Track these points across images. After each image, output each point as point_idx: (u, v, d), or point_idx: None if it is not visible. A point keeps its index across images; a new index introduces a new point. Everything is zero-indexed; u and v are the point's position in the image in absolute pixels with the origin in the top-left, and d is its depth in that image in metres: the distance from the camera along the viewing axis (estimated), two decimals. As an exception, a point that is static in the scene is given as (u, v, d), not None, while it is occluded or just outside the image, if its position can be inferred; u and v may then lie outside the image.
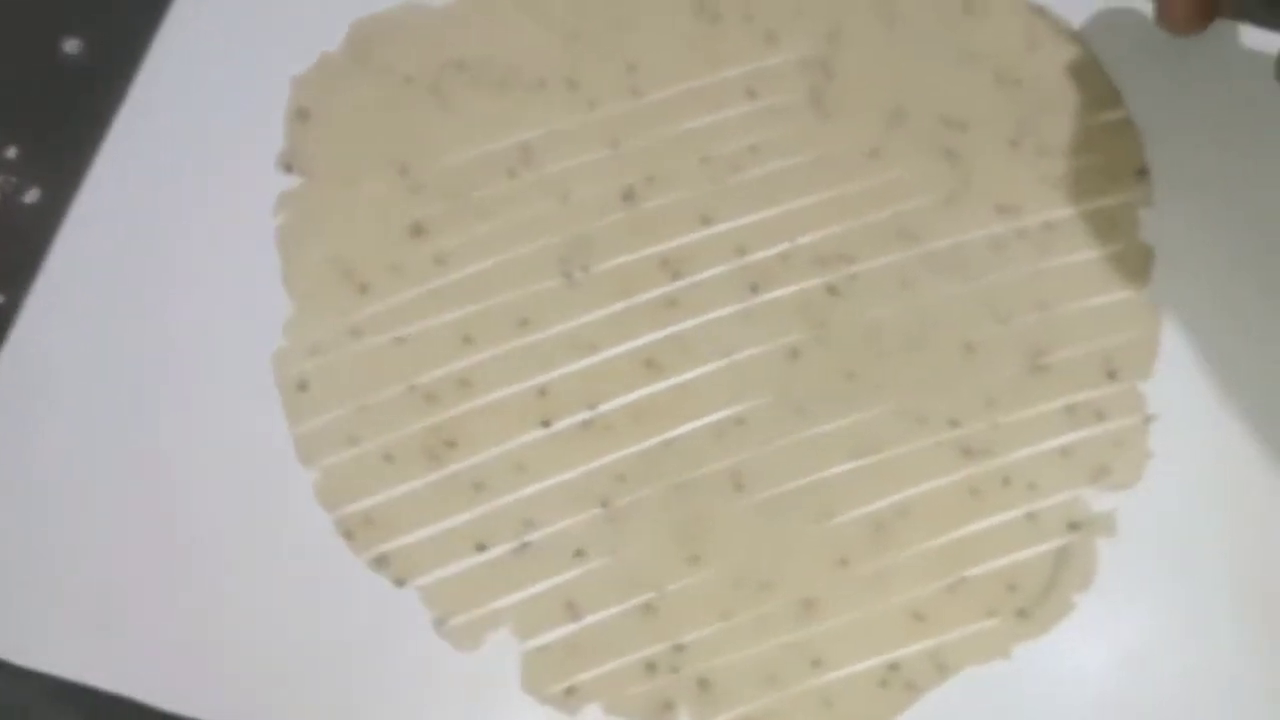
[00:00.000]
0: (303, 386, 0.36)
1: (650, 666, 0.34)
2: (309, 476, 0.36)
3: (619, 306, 0.37)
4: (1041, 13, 0.40)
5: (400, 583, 0.35)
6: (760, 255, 0.37)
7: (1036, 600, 0.34)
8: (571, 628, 0.34)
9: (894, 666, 0.33)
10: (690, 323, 0.37)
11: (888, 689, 0.33)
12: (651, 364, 0.36)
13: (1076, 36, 0.40)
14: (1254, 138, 0.38)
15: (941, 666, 0.34)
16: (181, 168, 0.38)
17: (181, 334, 0.37)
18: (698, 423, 0.36)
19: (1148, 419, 0.36)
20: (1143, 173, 0.38)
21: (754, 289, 0.37)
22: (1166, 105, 0.39)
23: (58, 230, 0.37)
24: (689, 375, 0.36)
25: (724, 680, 0.34)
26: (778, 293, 0.37)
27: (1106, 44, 0.40)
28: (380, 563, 0.35)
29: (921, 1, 0.40)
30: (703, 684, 0.33)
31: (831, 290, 0.37)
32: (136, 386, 0.36)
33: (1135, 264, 0.37)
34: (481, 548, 0.35)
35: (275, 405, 0.37)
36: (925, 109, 0.39)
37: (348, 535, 0.35)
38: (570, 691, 0.33)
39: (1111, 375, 0.36)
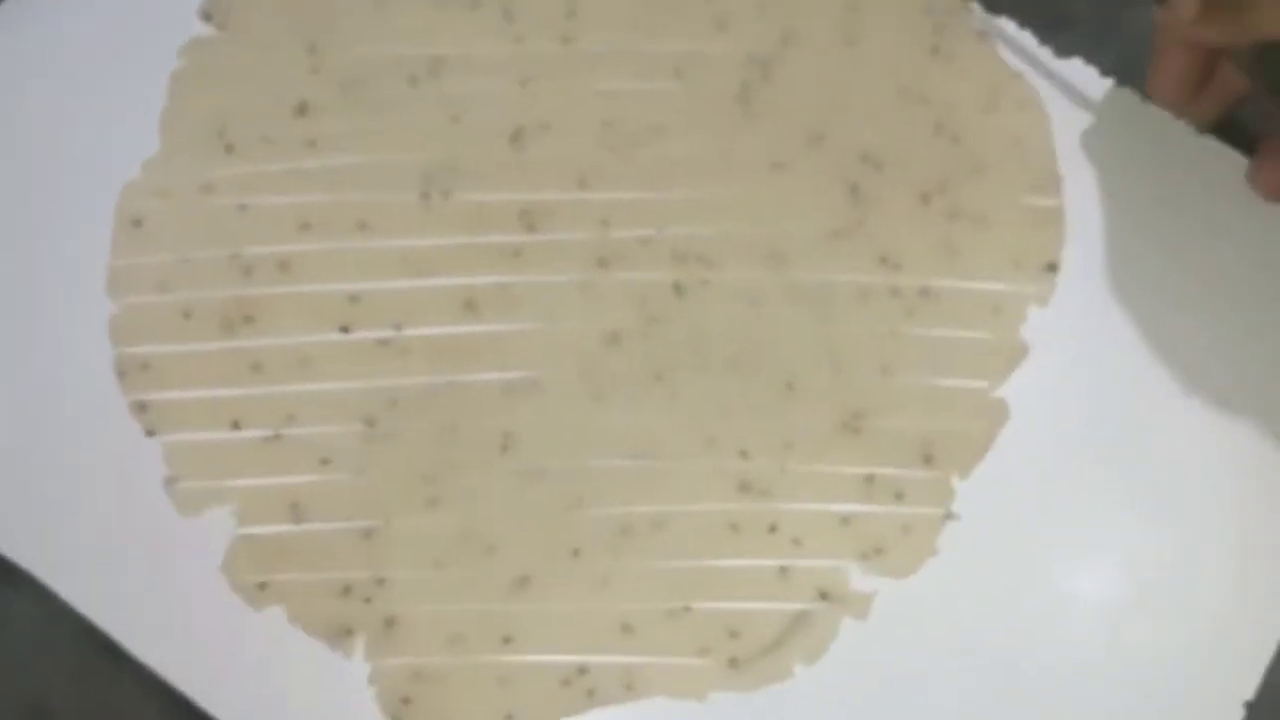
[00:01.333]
0: (138, 223, 0.47)
1: (346, 590, 0.42)
2: (109, 308, 0.45)
3: (461, 240, 0.46)
4: (1016, 77, 0.47)
5: (150, 433, 0.44)
6: (621, 234, 0.46)
7: (754, 655, 0.41)
8: (288, 528, 0.43)
9: (583, 670, 0.41)
10: (525, 277, 0.46)
11: (568, 689, 0.41)
12: (471, 305, 0.45)
13: (1042, 111, 0.46)
14: (1183, 282, 0.46)
15: (630, 686, 0.41)
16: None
17: (46, 142, 0.48)
18: (491, 375, 0.45)
19: (947, 516, 0.42)
20: (1052, 268, 0.45)
21: (601, 264, 0.46)
22: (1106, 212, 0.45)
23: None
24: (502, 327, 0.45)
25: (411, 625, 0.42)
26: (623, 275, 0.46)
27: (1074, 127, 0.46)
28: (140, 408, 0.45)
29: (890, 25, 0.47)
30: (389, 622, 0.42)
31: (678, 289, 0.45)
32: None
33: (1003, 359, 0.44)
34: (236, 426, 0.44)
35: (107, 233, 0.46)
36: (848, 137, 0.47)
37: (120, 374, 0.45)
38: (262, 587, 0.42)
39: (927, 460, 0.43)
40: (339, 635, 0.43)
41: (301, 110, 0.49)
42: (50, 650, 0.44)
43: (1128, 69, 0.49)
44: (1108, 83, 0.49)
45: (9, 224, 0.48)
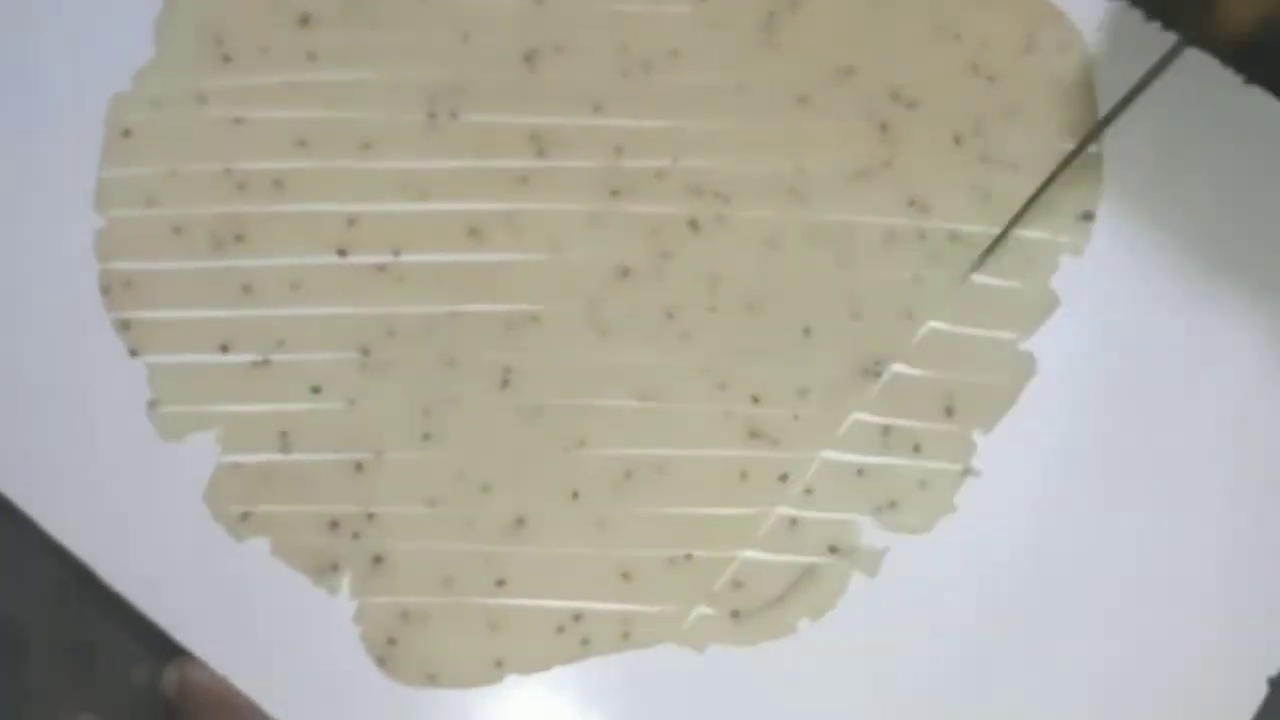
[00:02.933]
0: (127, 134, 0.45)
1: (333, 524, 0.41)
2: (96, 222, 0.44)
3: (468, 163, 0.45)
4: (1058, 16, 0.45)
5: (134, 353, 0.43)
6: (635, 163, 0.45)
7: (758, 609, 0.40)
8: (275, 457, 0.42)
9: (578, 617, 0.40)
10: (533, 205, 0.44)
11: (562, 636, 0.40)
12: (475, 233, 0.44)
13: (1084, 53, 0.45)
14: (1225, 236, 0.45)
15: (627, 635, 0.40)
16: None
17: (35, 47, 0.47)
18: (494, 306, 0.43)
19: (966, 471, 0.41)
20: (1087, 217, 0.43)
21: (614, 195, 0.44)
22: (1145, 160, 0.44)
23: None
24: (507, 256, 0.44)
25: (400, 564, 0.41)
26: (636, 208, 0.44)
27: (1116, 72, 0.45)
28: (123, 327, 0.43)
29: (927, -42, 0.46)
30: (377, 559, 0.41)
31: (693, 225, 0.44)
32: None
33: (1032, 309, 0.43)
34: (224, 348, 0.43)
35: (95, 144, 0.45)
36: (878, 72, 0.45)
37: (105, 290, 0.43)
38: (246, 517, 0.41)
39: (948, 412, 0.42)
40: (324, 570, 0.42)
41: (303, 21, 0.48)
42: (24, 576, 0.43)
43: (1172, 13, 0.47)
44: (1153, 26, 0.47)
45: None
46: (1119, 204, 0.45)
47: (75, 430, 0.44)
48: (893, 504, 0.42)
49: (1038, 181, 0.45)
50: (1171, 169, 0.46)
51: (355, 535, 0.42)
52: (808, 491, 0.42)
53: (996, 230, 0.45)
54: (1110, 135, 0.46)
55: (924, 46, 0.47)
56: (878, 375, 0.43)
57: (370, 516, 0.42)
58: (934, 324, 0.44)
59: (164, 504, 0.43)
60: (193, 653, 0.41)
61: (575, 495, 0.43)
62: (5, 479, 0.43)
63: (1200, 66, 0.45)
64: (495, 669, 0.41)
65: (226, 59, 0.47)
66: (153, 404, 0.44)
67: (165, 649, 0.42)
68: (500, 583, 0.42)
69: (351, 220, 0.45)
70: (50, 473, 0.43)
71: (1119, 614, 0.42)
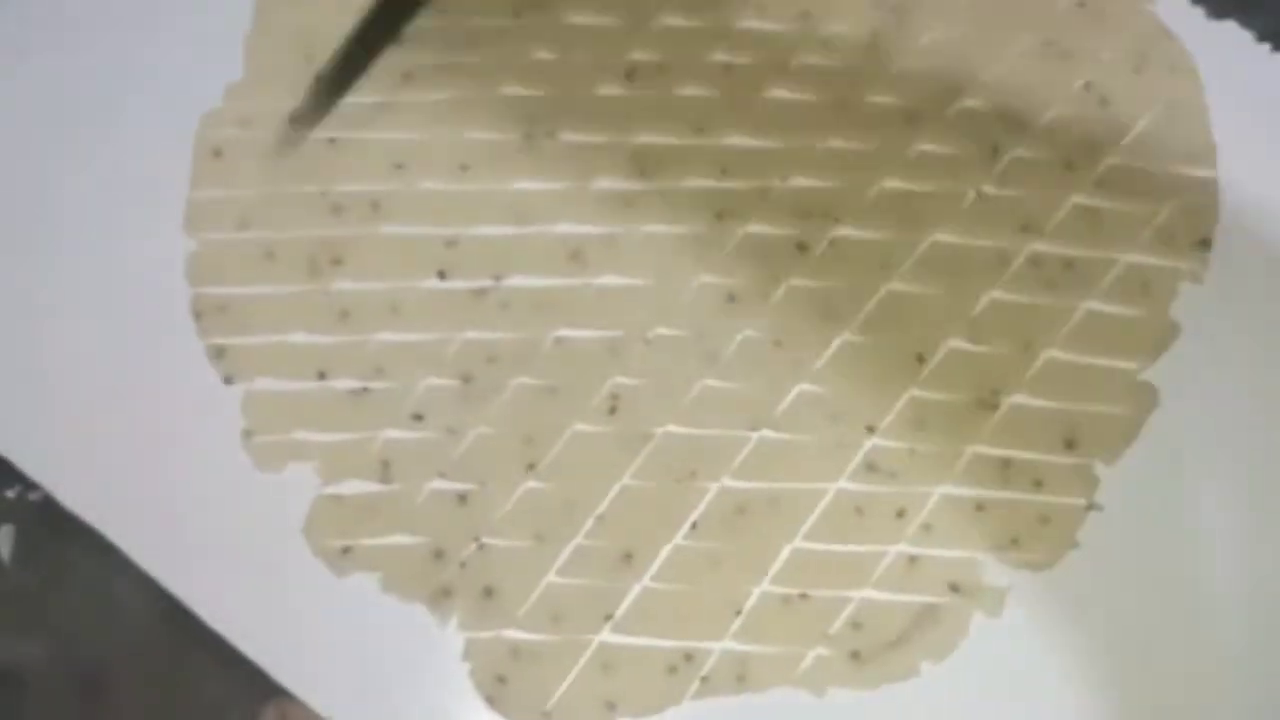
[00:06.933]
0: (218, 153, 0.43)
1: (439, 554, 0.38)
2: (187, 245, 0.41)
3: (569, 185, 0.42)
4: (1168, 36, 0.43)
5: (229, 380, 0.40)
6: (740, 184, 0.42)
7: (878, 650, 0.37)
8: (376, 488, 0.39)
9: (689, 657, 0.37)
10: (637, 228, 0.41)
11: (674, 677, 0.38)
12: (577, 256, 0.41)
13: (1195, 75, 0.42)
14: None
15: (742, 678, 0.38)
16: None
17: (126, 65, 0.45)
18: (598, 332, 0.41)
19: (1090, 506, 0.39)
20: (1205, 244, 0.41)
21: (719, 216, 0.42)
22: (1262, 182, 0.42)
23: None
24: (611, 280, 0.41)
25: (509, 597, 0.38)
26: (742, 229, 0.42)
27: (1228, 95, 0.42)
28: (218, 353, 0.41)
29: (1035, -24, 0.43)
30: (486, 592, 0.38)
31: (801, 247, 0.41)
32: (68, 101, 0.44)
33: (1152, 338, 0.41)
34: (322, 376, 0.40)
35: (185, 163, 0.42)
36: (988, 92, 0.43)
37: (198, 315, 0.41)
38: (347, 551, 0.38)
39: (1069, 445, 0.39)
40: (437, 598, 0.39)
41: (398, 40, 0.45)
42: (112, 616, 0.41)
43: (1285, 33, 0.45)
44: (1263, 48, 0.45)
45: (86, 151, 0.44)
46: (1236, 229, 0.43)
47: (168, 461, 0.41)
48: (1014, 540, 0.40)
49: (1155, 208, 0.43)
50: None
51: (463, 565, 0.40)
52: (926, 528, 0.40)
53: (1113, 257, 0.42)
54: (1226, 159, 0.43)
55: (1035, 66, 0.44)
56: (995, 406, 0.41)
57: (476, 550, 0.40)
58: (1052, 353, 0.41)
59: (261, 538, 0.40)
60: (292, 693, 0.39)
61: (686, 529, 0.40)
62: (96, 512, 0.40)
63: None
64: (607, 710, 0.39)
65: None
66: (248, 434, 0.41)
67: (261, 689, 0.39)
68: (609, 618, 0.39)
69: (451, 243, 0.43)
70: (142, 506, 0.41)
71: (1253, 653, 0.39)
